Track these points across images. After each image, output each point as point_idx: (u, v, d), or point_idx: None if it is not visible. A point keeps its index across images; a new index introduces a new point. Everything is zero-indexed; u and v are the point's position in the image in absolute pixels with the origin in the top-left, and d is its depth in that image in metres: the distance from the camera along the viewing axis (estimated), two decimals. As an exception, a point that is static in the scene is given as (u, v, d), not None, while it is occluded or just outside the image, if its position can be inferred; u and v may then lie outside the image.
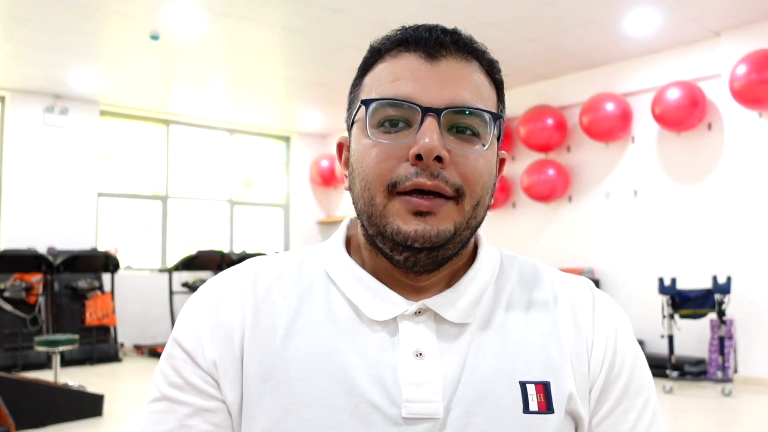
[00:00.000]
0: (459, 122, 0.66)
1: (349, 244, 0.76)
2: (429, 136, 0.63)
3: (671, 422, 4.32)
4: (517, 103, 7.17)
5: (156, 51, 6.04)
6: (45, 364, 6.40)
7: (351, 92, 0.74)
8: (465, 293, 0.70)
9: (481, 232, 0.76)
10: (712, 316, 5.53)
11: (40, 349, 4.92)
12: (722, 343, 5.22)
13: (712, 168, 5.83)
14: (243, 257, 8.08)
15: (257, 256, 0.76)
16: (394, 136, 0.66)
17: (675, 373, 5.32)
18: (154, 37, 5.62)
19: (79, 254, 6.96)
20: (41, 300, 6.87)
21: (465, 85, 0.67)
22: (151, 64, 6.43)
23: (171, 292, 7.65)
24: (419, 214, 0.64)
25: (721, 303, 5.22)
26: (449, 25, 0.72)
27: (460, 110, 0.65)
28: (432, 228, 0.64)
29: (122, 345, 7.55)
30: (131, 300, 7.73)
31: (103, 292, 7.30)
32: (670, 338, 5.37)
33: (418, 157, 0.63)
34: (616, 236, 6.46)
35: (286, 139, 9.58)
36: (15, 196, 7.20)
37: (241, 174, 9.23)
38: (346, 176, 0.73)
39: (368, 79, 0.71)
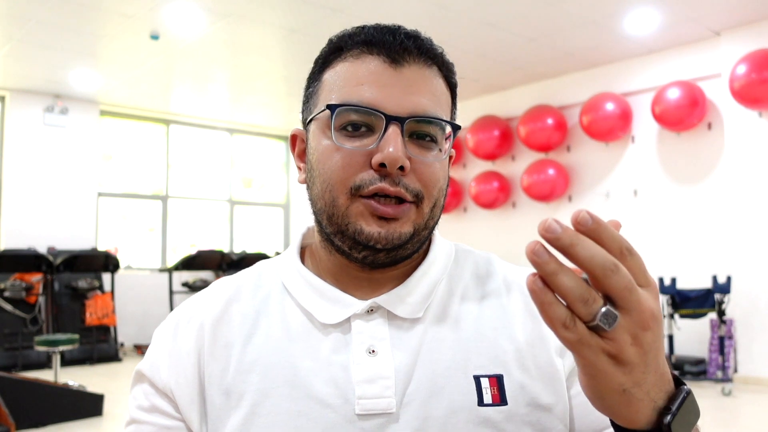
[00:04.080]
0: (419, 130, 0.68)
1: (304, 252, 0.78)
2: (393, 145, 0.64)
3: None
4: (517, 103, 7.18)
5: (156, 51, 6.04)
6: (45, 363, 6.40)
7: (308, 86, 0.74)
8: (416, 289, 0.71)
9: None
10: (712, 315, 5.53)
11: (40, 348, 4.92)
12: (722, 342, 5.22)
13: (712, 168, 5.83)
14: (243, 257, 8.09)
15: (221, 278, 0.79)
16: (357, 142, 0.67)
17: (675, 373, 5.31)
18: (154, 37, 5.62)
19: (79, 254, 6.96)
20: (41, 300, 6.87)
21: (426, 92, 0.68)
22: (151, 64, 6.43)
23: (171, 292, 7.65)
24: (382, 218, 0.66)
25: (721, 303, 5.22)
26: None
27: (422, 120, 0.67)
28: (394, 231, 0.67)
29: (122, 345, 7.56)
30: (131, 300, 7.73)
31: (103, 291, 7.30)
32: (670, 338, 5.37)
33: (382, 165, 0.65)
34: (616, 236, 6.45)
35: (286, 139, 9.58)
36: (15, 196, 7.20)
37: (241, 174, 9.23)
38: (300, 168, 0.75)
39: (328, 76, 0.71)
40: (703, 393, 5.12)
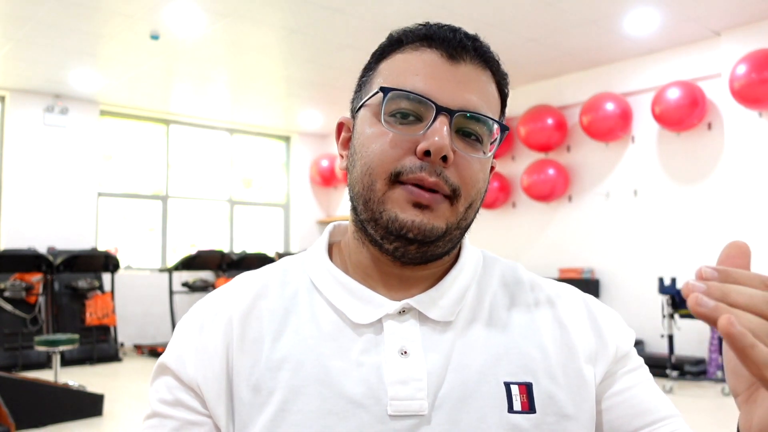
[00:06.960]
0: (466, 126, 0.68)
1: (331, 250, 0.78)
2: (440, 134, 0.65)
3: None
4: (517, 103, 7.17)
5: (156, 51, 6.04)
6: (45, 363, 6.40)
7: (363, 75, 0.75)
8: (448, 292, 0.71)
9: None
10: (712, 315, 5.52)
11: (40, 348, 4.92)
12: (722, 342, 5.21)
13: (711, 168, 5.83)
14: (243, 257, 8.09)
15: (243, 273, 0.78)
16: (404, 127, 0.67)
17: (675, 373, 5.32)
18: (154, 37, 5.62)
19: (79, 254, 6.96)
20: (41, 300, 6.87)
21: (478, 91, 0.69)
22: (151, 64, 6.43)
23: (171, 292, 7.65)
24: (418, 205, 0.66)
25: (721, 303, 5.22)
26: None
27: (471, 115, 0.67)
28: (428, 222, 0.66)
29: (122, 345, 7.55)
30: (131, 300, 7.74)
31: (103, 291, 7.30)
32: (670, 338, 5.37)
33: (426, 153, 0.65)
34: (616, 236, 6.46)
35: (286, 139, 9.58)
36: (15, 196, 7.20)
37: (241, 174, 9.23)
38: (342, 156, 0.75)
39: (384, 66, 0.72)
40: (703, 393, 5.12)
